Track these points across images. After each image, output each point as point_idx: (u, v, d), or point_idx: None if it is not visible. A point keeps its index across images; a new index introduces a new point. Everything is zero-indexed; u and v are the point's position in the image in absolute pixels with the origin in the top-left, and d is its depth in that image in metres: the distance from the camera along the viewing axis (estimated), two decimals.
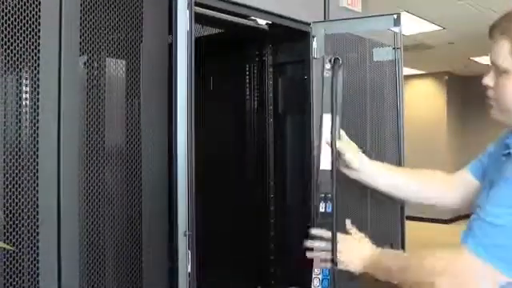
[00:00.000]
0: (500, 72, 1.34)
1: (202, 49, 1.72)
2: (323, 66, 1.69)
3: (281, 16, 2.03)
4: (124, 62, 1.59)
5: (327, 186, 1.61)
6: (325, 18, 2.24)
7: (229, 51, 2.12)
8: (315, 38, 2.10)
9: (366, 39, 2.23)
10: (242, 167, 2.27)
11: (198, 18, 1.67)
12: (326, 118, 1.67)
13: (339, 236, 1.59)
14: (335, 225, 1.58)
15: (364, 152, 1.75)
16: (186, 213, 1.62)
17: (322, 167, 1.65)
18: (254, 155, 2.30)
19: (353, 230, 1.67)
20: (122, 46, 1.57)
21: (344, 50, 2.18)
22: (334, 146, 1.63)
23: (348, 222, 1.68)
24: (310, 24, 2.12)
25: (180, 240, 1.60)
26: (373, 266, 1.53)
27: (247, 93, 2.36)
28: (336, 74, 1.66)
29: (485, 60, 8.50)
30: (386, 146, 2.23)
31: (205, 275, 1.69)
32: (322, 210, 1.62)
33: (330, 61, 1.69)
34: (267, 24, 2.04)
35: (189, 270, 1.61)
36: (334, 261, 1.57)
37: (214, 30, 2.11)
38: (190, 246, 1.61)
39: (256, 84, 2.33)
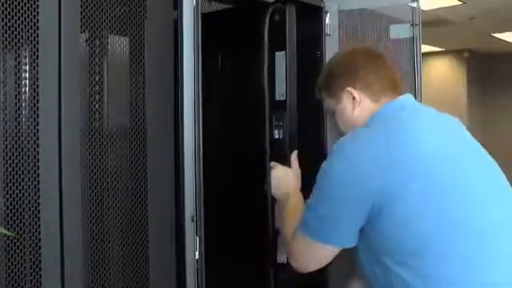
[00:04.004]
0: None
1: (209, 25, 1.66)
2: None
3: None
4: (127, 39, 1.54)
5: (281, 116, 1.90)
6: None
7: (238, 28, 2.06)
8: (328, 14, 2.02)
9: (382, 15, 2.16)
10: (252, 146, 2.21)
11: None
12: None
13: (277, 165, 1.77)
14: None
15: None
16: (193, 197, 1.57)
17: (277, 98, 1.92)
18: (264, 133, 2.23)
19: (294, 163, 1.77)
20: (126, 23, 1.52)
21: (359, 26, 2.10)
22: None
23: (294, 153, 1.80)
24: None
25: (187, 225, 1.56)
26: (283, 204, 1.68)
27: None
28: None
29: (507, 36, 8.32)
30: None
31: (213, 263, 1.65)
32: (276, 136, 1.90)
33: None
34: None
35: (196, 256, 1.57)
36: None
37: (222, 6, 2.05)
38: (197, 232, 1.57)
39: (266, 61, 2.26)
